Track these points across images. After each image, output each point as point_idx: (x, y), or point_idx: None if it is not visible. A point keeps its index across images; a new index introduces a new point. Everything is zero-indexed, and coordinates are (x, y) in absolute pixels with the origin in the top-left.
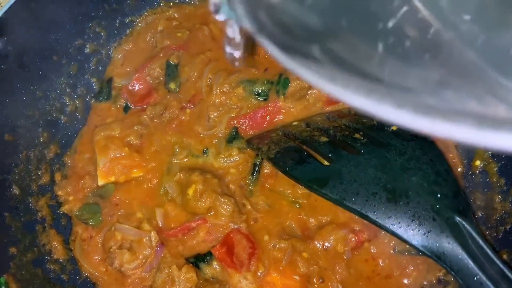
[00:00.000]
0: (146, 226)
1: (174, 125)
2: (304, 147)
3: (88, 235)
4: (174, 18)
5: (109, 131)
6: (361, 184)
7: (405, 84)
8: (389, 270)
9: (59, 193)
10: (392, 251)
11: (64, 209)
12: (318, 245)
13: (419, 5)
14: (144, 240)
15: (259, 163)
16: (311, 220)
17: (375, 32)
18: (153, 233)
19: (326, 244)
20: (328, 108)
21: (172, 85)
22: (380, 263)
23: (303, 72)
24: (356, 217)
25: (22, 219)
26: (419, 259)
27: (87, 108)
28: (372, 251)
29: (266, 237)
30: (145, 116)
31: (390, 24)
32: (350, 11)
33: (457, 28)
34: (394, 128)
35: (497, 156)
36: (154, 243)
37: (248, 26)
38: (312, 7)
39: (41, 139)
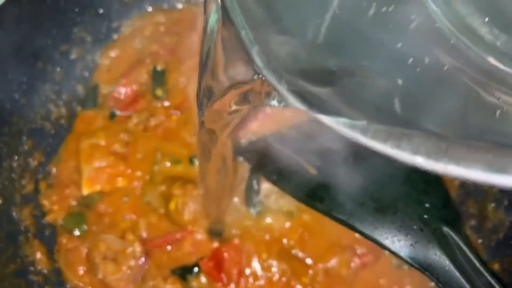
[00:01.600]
0: (130, 237)
1: (160, 132)
2: (292, 154)
3: (73, 245)
4: (162, 23)
5: (94, 139)
6: (348, 193)
7: (418, 121)
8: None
9: (44, 202)
10: (391, 266)
11: (49, 218)
12: (319, 268)
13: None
14: (128, 251)
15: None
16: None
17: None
18: (137, 244)
19: (328, 267)
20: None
21: (159, 91)
22: (381, 281)
23: (324, 119)
24: (359, 239)
25: (5, 230)
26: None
27: (73, 115)
28: (374, 272)
29: (264, 255)
30: (131, 123)
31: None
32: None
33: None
34: None
35: None
36: (138, 254)
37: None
38: (325, 45)
39: (25, 147)
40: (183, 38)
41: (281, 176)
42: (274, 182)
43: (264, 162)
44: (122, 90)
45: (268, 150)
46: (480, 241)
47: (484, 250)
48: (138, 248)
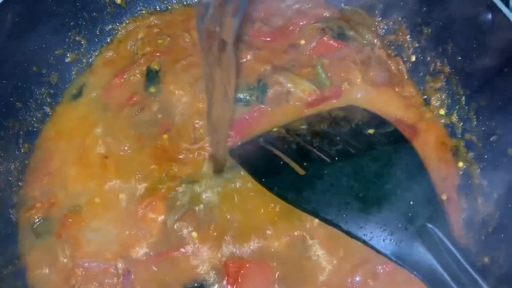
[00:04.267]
0: (108, 255)
1: (155, 148)
2: (282, 155)
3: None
4: (155, 25)
5: (81, 139)
6: (334, 193)
7: None
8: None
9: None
10: None
11: (28, 214)
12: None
13: None
14: (112, 270)
15: None
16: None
17: None
18: (119, 261)
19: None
20: (306, 111)
21: (152, 89)
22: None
23: None
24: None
25: (3, 232)
26: None
27: None
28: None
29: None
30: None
31: None
32: None
33: None
34: (371, 131)
35: (480, 159)
36: (120, 271)
37: None
38: None
39: (22, 150)
40: (177, 39)
41: (270, 177)
42: (263, 183)
43: (254, 163)
44: (116, 88)
45: (258, 151)
46: (470, 234)
47: (474, 244)
48: (120, 264)
